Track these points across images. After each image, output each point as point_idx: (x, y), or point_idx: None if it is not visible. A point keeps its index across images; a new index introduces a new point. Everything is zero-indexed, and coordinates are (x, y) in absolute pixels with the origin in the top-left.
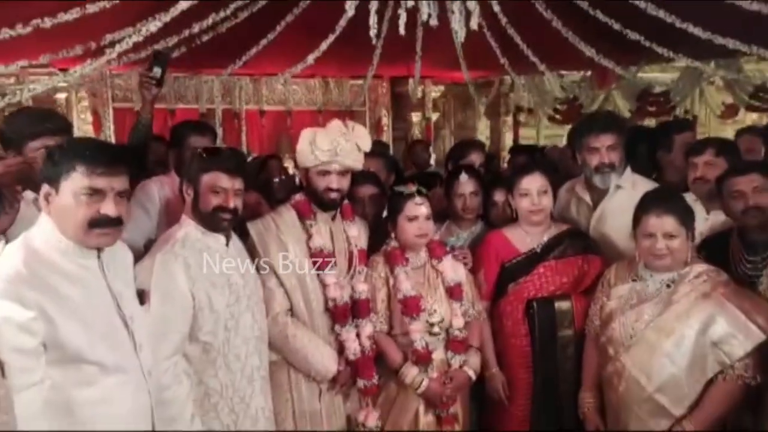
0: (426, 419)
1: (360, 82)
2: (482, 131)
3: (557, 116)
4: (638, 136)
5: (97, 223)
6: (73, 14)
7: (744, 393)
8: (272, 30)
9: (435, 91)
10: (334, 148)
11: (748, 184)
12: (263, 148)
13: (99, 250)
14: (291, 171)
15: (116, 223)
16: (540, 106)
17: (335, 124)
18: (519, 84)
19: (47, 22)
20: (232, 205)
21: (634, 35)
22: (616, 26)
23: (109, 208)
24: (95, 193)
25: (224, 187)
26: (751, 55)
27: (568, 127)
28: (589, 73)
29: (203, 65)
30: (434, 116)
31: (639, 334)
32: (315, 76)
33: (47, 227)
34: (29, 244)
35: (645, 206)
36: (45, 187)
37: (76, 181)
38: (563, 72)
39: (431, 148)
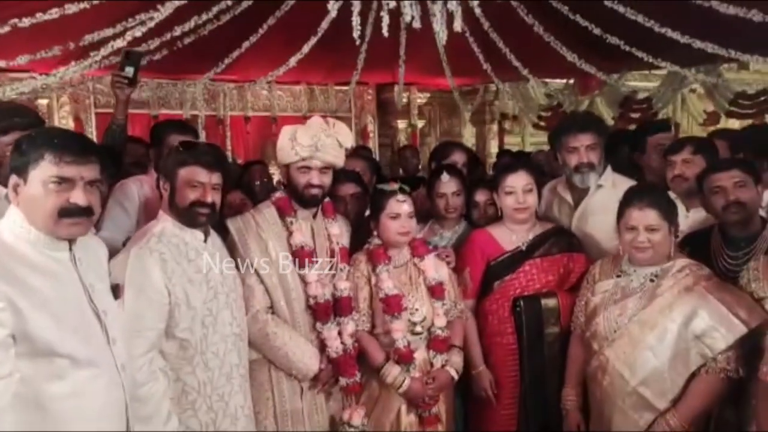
0: (408, 419)
1: (346, 88)
2: (468, 138)
3: (542, 123)
4: (618, 138)
5: (67, 212)
6: (53, 14)
7: (727, 386)
8: (255, 33)
9: (420, 98)
10: (315, 143)
11: (729, 179)
12: (248, 155)
13: (71, 242)
14: (276, 177)
15: (87, 212)
16: (525, 113)
17: (316, 120)
18: (503, 91)
19: (26, 22)
20: (209, 199)
21: (614, 40)
22: (596, 30)
23: (78, 197)
24: (64, 182)
25: (202, 181)
26: (732, 62)
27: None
28: (572, 80)
29: (187, 70)
30: (420, 123)
31: (623, 327)
32: (300, 82)
33: (16, 219)
34: None
35: (628, 200)
36: (13, 178)
37: (44, 170)
38: (547, 80)
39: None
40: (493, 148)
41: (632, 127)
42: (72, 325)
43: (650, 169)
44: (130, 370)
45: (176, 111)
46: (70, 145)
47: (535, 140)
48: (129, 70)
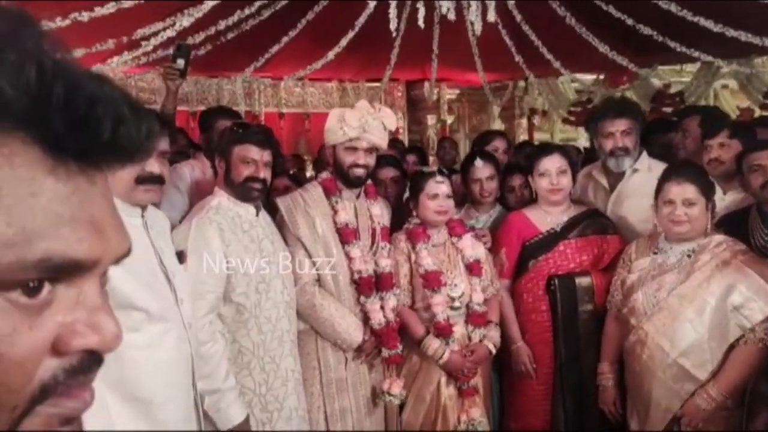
0: (448, 391)
1: (377, 84)
2: None
3: (571, 118)
4: (653, 126)
5: (143, 179)
6: (110, 8)
7: (765, 356)
8: (294, 29)
9: (450, 94)
10: (362, 124)
11: (767, 158)
12: (282, 149)
13: (143, 209)
14: (309, 172)
15: (159, 180)
16: (554, 108)
17: (363, 103)
18: (533, 86)
19: (85, 16)
20: (262, 175)
21: (646, 30)
22: (629, 21)
23: (153, 166)
24: None
25: (254, 158)
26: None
27: (582, 129)
28: (602, 75)
29: (224, 68)
30: (449, 119)
31: (661, 302)
32: (332, 79)
33: None
34: None
35: (666, 175)
36: None
37: None
38: (577, 74)
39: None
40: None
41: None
42: (147, 282)
43: (688, 154)
44: (194, 329)
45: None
46: None
47: (564, 136)
48: (180, 62)
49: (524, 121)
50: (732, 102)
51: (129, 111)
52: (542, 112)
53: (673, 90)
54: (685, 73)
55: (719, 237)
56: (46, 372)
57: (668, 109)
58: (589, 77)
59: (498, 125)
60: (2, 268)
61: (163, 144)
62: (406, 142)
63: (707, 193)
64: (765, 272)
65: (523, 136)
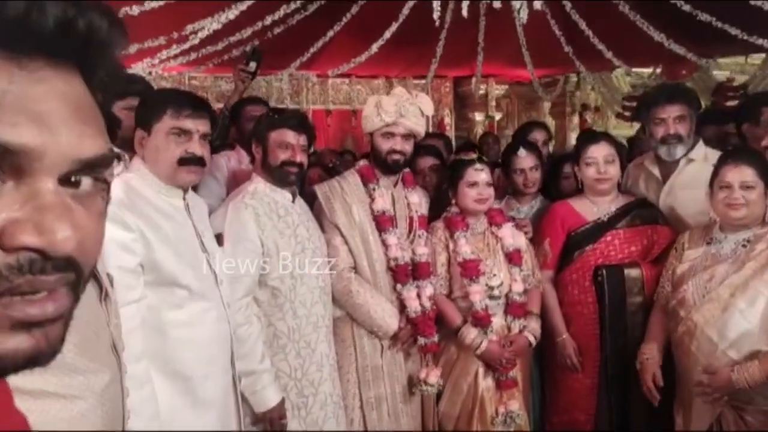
0: (485, 382)
1: (423, 81)
2: None
3: (626, 113)
4: (708, 116)
5: (186, 161)
6: (160, 2)
7: None
8: (338, 25)
9: (498, 90)
10: (399, 109)
11: None
12: (329, 146)
13: (184, 191)
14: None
15: (201, 162)
16: (608, 103)
17: (399, 90)
18: (586, 81)
19: (135, 10)
20: (298, 159)
21: (705, 17)
22: (686, 7)
23: (195, 147)
24: (183, 134)
25: (291, 142)
26: None
27: (637, 125)
28: (659, 68)
29: (271, 65)
30: (497, 116)
31: (712, 292)
32: (379, 76)
33: (141, 168)
34: (126, 182)
35: (723, 159)
36: (139, 132)
37: (166, 123)
38: (632, 68)
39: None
40: (574, 141)
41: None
42: (189, 261)
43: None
44: (231, 311)
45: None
46: (188, 101)
47: (617, 132)
48: (252, 65)
49: (576, 118)
50: None
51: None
52: (594, 107)
53: (736, 83)
54: (749, 66)
55: None
56: None
57: (731, 103)
58: (645, 70)
59: (548, 122)
60: None
61: (205, 127)
62: (453, 140)
63: (766, 177)
64: None
65: (574, 133)
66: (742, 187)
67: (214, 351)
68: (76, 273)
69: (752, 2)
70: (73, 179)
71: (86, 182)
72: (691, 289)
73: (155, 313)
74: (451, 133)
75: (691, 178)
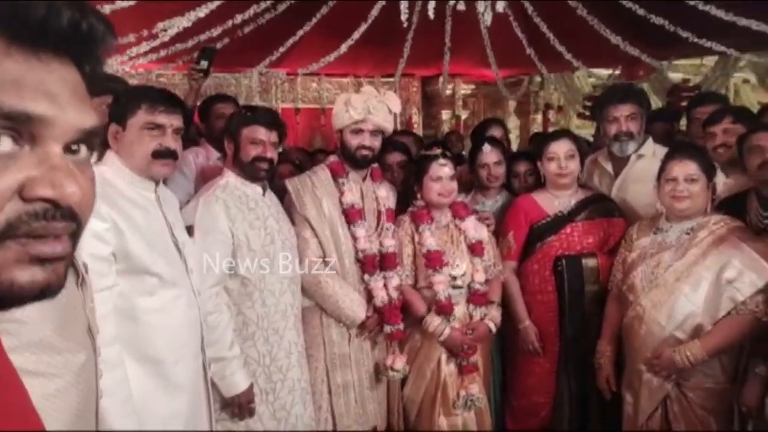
0: (448, 368)
1: (392, 80)
2: (512, 129)
3: (586, 113)
4: (656, 115)
5: (160, 154)
6: (131, 1)
7: (754, 327)
8: (308, 24)
9: (465, 90)
10: (367, 106)
11: (766, 139)
12: (298, 144)
13: (155, 184)
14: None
15: (174, 155)
16: (569, 103)
17: (368, 88)
18: (548, 81)
19: (106, 9)
20: (269, 155)
21: (658, 20)
22: (640, 11)
23: (169, 141)
24: (157, 128)
25: (262, 138)
26: None
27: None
28: (618, 70)
29: (241, 63)
30: (464, 114)
31: (659, 278)
32: (348, 75)
33: (114, 162)
34: (100, 174)
35: (669, 154)
36: (113, 127)
37: (140, 118)
38: (593, 69)
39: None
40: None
41: None
42: (160, 250)
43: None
44: (201, 299)
45: None
46: (162, 97)
47: (580, 131)
48: (203, 64)
49: (539, 117)
50: (753, 97)
51: (67, 4)
52: (558, 107)
53: (691, 84)
54: (705, 67)
55: (717, 216)
56: (12, 212)
57: (685, 104)
58: (604, 71)
59: (513, 120)
60: None
61: (178, 122)
62: (421, 137)
63: (708, 171)
64: (759, 247)
65: (538, 131)
66: (687, 180)
67: (184, 337)
68: (77, 224)
69: (701, 8)
70: (73, 147)
71: (83, 150)
72: (640, 276)
73: (128, 300)
74: (419, 131)
75: (640, 173)
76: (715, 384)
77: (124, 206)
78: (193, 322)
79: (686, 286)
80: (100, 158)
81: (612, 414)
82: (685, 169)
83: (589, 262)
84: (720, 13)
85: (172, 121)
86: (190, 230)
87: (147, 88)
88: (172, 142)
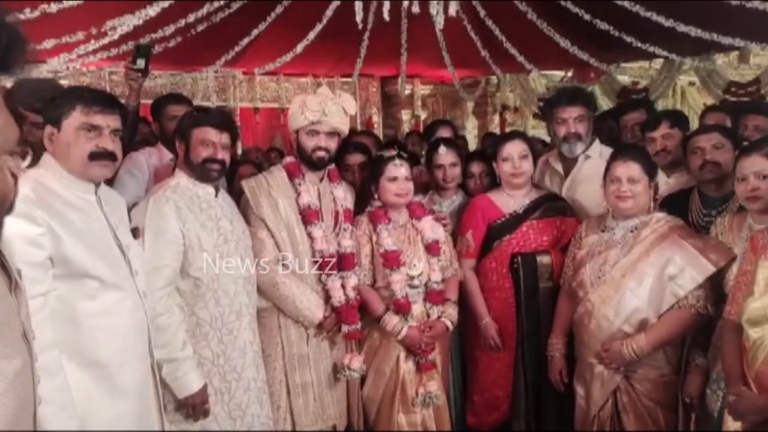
0: (406, 366)
1: (351, 80)
2: (470, 130)
3: (542, 113)
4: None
5: (97, 155)
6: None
7: (696, 321)
8: (263, 23)
9: (424, 90)
10: (322, 108)
11: (707, 141)
12: (257, 144)
13: (96, 186)
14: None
15: (112, 157)
16: (525, 104)
17: (323, 89)
18: (504, 83)
19: (53, 7)
20: (220, 156)
21: (603, 25)
22: (586, 17)
23: (106, 143)
24: (93, 129)
25: (213, 140)
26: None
27: None
28: (570, 72)
29: (199, 62)
30: (423, 114)
31: (606, 275)
32: (307, 74)
33: (51, 164)
34: (35, 177)
35: (614, 156)
36: (48, 128)
37: (76, 119)
38: (546, 71)
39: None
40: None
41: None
42: (101, 252)
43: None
44: (151, 301)
45: None
46: (98, 98)
47: (536, 132)
48: (140, 63)
49: (497, 117)
50: (699, 99)
51: None
52: (514, 108)
53: (641, 86)
54: (652, 70)
55: (660, 214)
56: None
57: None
58: (557, 73)
59: (471, 121)
60: None
61: (115, 122)
62: (381, 138)
63: (650, 172)
64: (698, 244)
65: (495, 132)
66: (629, 180)
67: (130, 340)
68: None
69: (643, 14)
70: None
71: None
72: (588, 272)
73: (68, 304)
74: (378, 131)
75: (588, 173)
76: (660, 375)
77: (61, 210)
78: (140, 325)
79: (632, 282)
80: (35, 162)
81: (566, 406)
82: (628, 170)
83: (543, 259)
84: (661, 19)
85: (109, 121)
86: (134, 232)
87: (82, 89)
88: (110, 143)
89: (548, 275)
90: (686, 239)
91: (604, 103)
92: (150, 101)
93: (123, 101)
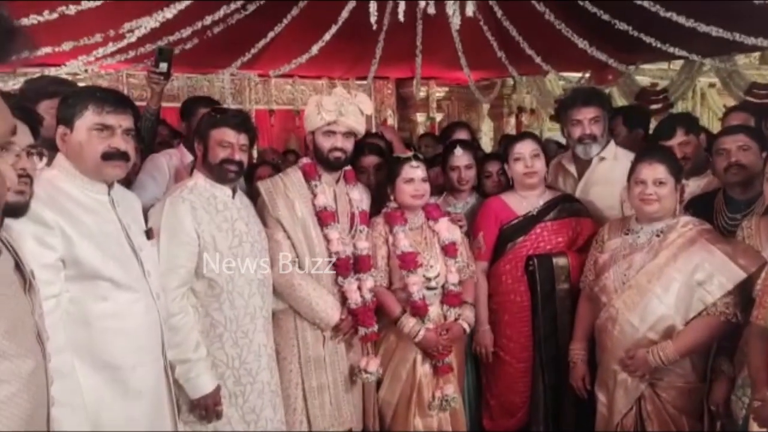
0: (423, 369)
1: (366, 82)
2: (486, 132)
3: (557, 115)
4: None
5: (110, 155)
6: (97, 2)
7: (724, 328)
8: (279, 26)
9: (439, 92)
10: (339, 108)
11: (732, 143)
12: (272, 146)
13: (109, 186)
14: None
15: (125, 157)
16: (542, 106)
17: (339, 90)
18: (521, 84)
19: (71, 9)
20: (237, 157)
21: (622, 26)
22: (605, 17)
23: (118, 143)
24: (105, 129)
25: (230, 141)
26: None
27: None
28: (588, 74)
29: (215, 64)
30: (438, 117)
31: (631, 280)
32: (322, 77)
33: (64, 164)
34: (47, 178)
35: (639, 157)
36: (61, 128)
37: (88, 119)
38: (563, 73)
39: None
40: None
41: None
42: (113, 254)
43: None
44: (165, 301)
45: None
46: (110, 97)
47: (552, 134)
48: (163, 66)
49: (513, 119)
50: (719, 101)
51: None
52: (530, 110)
53: (659, 88)
54: (672, 71)
55: (686, 218)
56: None
57: (655, 106)
58: (575, 74)
59: (487, 123)
60: None
61: (127, 122)
62: None
63: (676, 174)
64: (727, 249)
65: (512, 134)
66: (655, 183)
67: (142, 341)
68: None
69: (663, 14)
70: None
71: None
72: (612, 277)
73: (80, 305)
74: None
75: (602, 175)
76: (686, 383)
77: (73, 211)
78: (152, 326)
79: (658, 288)
80: (49, 163)
81: (586, 413)
82: (654, 172)
83: (560, 261)
84: (681, 20)
85: (122, 121)
86: (149, 233)
87: (95, 89)
88: (123, 143)
89: (565, 277)
90: (715, 244)
91: (621, 104)
92: (170, 105)
93: (144, 104)
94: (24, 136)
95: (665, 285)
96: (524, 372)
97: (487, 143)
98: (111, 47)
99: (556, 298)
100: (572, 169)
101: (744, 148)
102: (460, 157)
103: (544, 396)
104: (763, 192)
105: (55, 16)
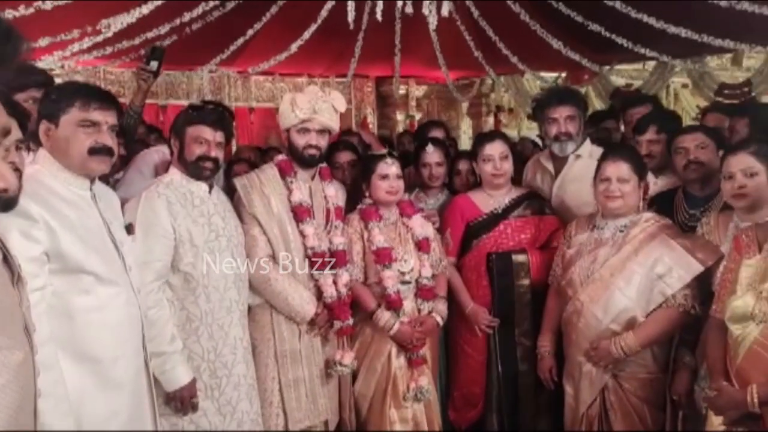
0: (398, 361)
1: (346, 80)
2: (465, 130)
3: (533, 113)
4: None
5: (96, 150)
6: None
7: (683, 320)
8: (258, 23)
9: (418, 91)
10: (312, 106)
11: (691, 141)
12: (253, 143)
13: (91, 182)
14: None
15: (111, 152)
16: (519, 105)
17: (313, 87)
18: (499, 84)
19: (48, 4)
20: (213, 154)
21: (595, 27)
22: (578, 18)
23: (104, 138)
24: (92, 125)
25: (207, 138)
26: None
27: None
28: (564, 74)
29: (194, 61)
30: (418, 115)
31: (595, 273)
32: (302, 74)
33: (47, 160)
34: (30, 173)
35: (604, 155)
36: (44, 123)
37: (74, 115)
38: (540, 73)
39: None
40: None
41: None
42: (96, 248)
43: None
44: (142, 295)
45: (183, 101)
46: (96, 94)
47: (530, 133)
48: (153, 64)
49: (491, 118)
50: (692, 101)
51: None
52: (508, 109)
53: (634, 88)
54: (646, 72)
55: (648, 214)
56: None
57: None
58: (551, 74)
59: (466, 122)
60: None
61: (113, 119)
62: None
63: (640, 172)
64: (686, 244)
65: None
66: (619, 180)
67: (124, 334)
68: None
69: (633, 15)
70: None
71: None
72: (578, 271)
73: (63, 299)
74: (374, 131)
75: (578, 173)
76: (648, 374)
77: (56, 205)
78: (133, 320)
79: (621, 281)
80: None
81: (545, 403)
82: (618, 169)
83: (519, 258)
84: (652, 21)
85: (107, 118)
86: (129, 228)
87: (79, 85)
88: (108, 139)
89: (524, 273)
90: (674, 239)
91: (598, 105)
92: (148, 101)
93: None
94: (14, 131)
95: (627, 278)
96: (482, 364)
97: (465, 142)
98: (87, 42)
99: (515, 293)
100: (550, 166)
101: (702, 146)
102: (431, 155)
103: (498, 387)
104: (720, 189)
105: (31, 11)
